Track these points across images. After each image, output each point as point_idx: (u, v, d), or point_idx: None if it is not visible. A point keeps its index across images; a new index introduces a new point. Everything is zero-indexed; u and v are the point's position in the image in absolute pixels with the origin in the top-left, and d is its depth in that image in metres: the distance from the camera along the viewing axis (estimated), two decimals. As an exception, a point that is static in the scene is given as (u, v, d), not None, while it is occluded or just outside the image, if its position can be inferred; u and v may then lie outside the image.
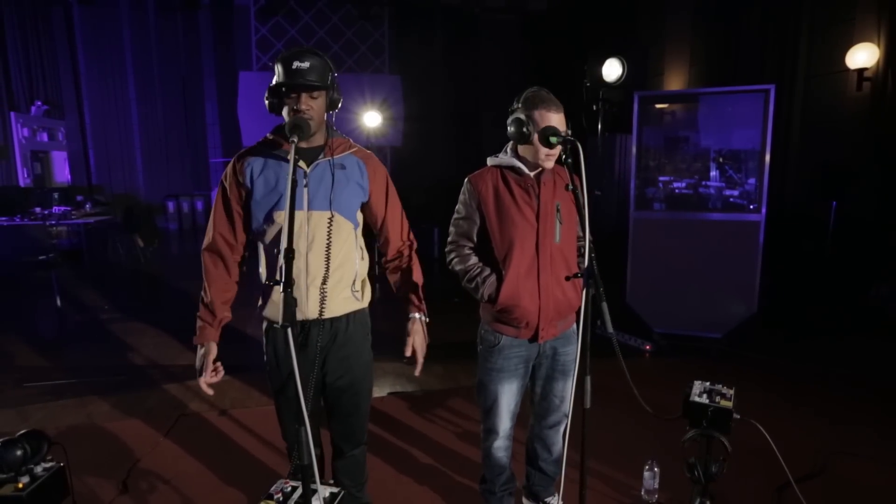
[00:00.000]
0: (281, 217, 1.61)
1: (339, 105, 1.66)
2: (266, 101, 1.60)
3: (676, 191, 4.45)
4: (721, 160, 4.33)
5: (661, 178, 4.49)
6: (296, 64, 1.51)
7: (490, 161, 1.90)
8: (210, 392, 1.67)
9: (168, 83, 11.16)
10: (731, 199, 4.31)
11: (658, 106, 4.62)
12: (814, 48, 5.36)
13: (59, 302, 5.36)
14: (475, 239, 1.90)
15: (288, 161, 1.59)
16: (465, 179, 1.90)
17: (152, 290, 6.65)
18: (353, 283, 1.71)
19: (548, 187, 1.82)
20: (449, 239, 1.95)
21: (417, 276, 1.84)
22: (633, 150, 4.27)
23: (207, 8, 10.64)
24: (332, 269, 1.65)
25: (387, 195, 1.79)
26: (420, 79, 10.61)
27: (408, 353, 1.79)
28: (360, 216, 1.76)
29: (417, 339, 1.79)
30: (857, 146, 4.85)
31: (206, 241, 1.72)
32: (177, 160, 11.50)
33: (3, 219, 6.83)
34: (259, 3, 10.20)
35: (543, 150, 1.74)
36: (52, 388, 3.50)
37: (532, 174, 1.82)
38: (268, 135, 1.68)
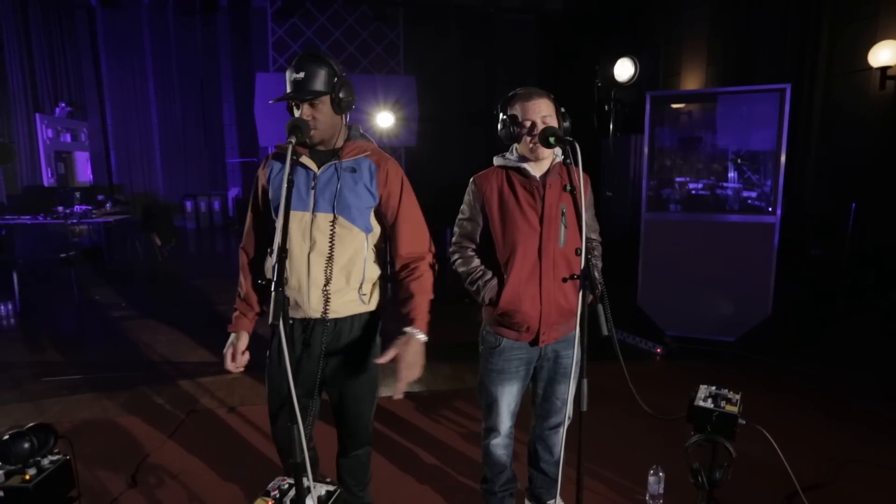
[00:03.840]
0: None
1: (352, 106, 1.65)
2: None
3: (693, 192, 4.38)
4: (739, 161, 4.25)
5: (678, 179, 4.44)
6: (293, 76, 1.55)
7: (496, 161, 1.89)
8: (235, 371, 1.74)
9: (187, 84, 11.36)
10: (750, 201, 4.23)
11: (674, 106, 4.56)
12: (835, 46, 5.24)
13: (78, 299, 5.49)
14: (478, 241, 1.89)
15: (300, 164, 1.62)
16: (471, 180, 1.90)
17: (168, 288, 6.77)
18: (361, 287, 1.67)
19: (553, 189, 1.80)
20: (453, 240, 1.95)
21: (421, 290, 1.67)
22: (645, 150, 4.22)
23: (225, 10, 10.80)
24: (335, 273, 1.62)
25: (399, 200, 1.70)
26: (435, 79, 10.63)
27: (381, 360, 1.59)
28: (374, 222, 1.71)
29: (405, 355, 1.57)
30: (879, 146, 4.72)
31: (243, 239, 1.81)
32: (195, 160, 11.70)
33: (27, 217, 7.02)
34: (276, 5, 10.33)
35: (526, 142, 1.76)
36: (69, 383, 3.59)
37: (538, 176, 1.81)
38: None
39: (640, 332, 4.31)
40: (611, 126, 4.38)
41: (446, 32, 10.72)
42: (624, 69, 4.19)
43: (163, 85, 11.28)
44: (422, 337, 1.62)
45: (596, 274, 1.88)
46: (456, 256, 1.92)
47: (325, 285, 1.63)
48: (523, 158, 1.82)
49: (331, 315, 1.65)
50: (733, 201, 4.28)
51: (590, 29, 8.86)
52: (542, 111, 1.75)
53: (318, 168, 1.63)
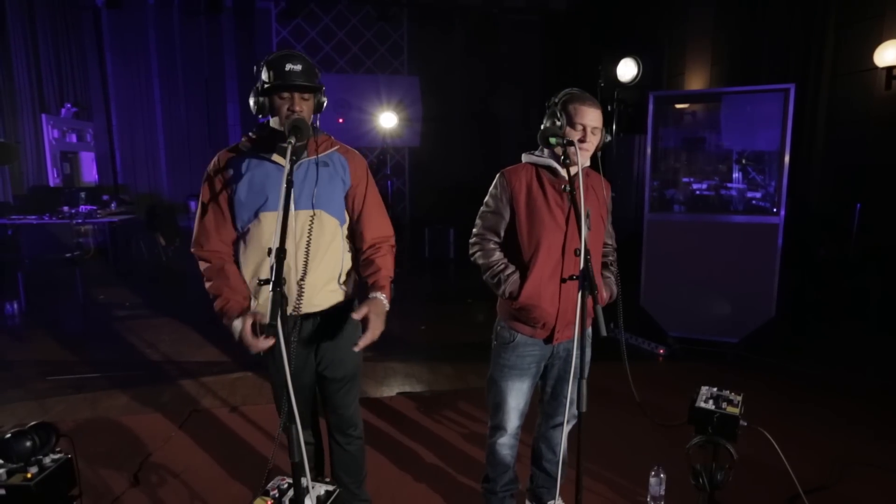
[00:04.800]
0: (268, 217, 1.63)
1: (324, 107, 1.70)
2: (252, 102, 1.63)
3: (697, 192, 4.37)
4: (743, 161, 4.24)
5: (682, 180, 4.42)
6: (289, 66, 1.56)
7: (525, 158, 1.90)
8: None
9: (192, 85, 11.38)
10: (754, 202, 4.21)
11: (678, 106, 4.54)
12: (840, 45, 5.21)
13: (82, 298, 5.51)
14: (502, 234, 1.89)
15: (272, 161, 1.64)
16: (499, 173, 1.89)
17: (172, 288, 6.79)
18: (339, 277, 1.73)
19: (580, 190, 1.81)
20: (474, 231, 1.94)
21: (386, 264, 1.74)
22: (648, 151, 4.20)
23: (230, 11, 10.83)
24: (311, 266, 1.65)
25: (366, 189, 1.78)
26: (439, 79, 10.62)
27: (357, 315, 1.60)
28: (346, 213, 1.77)
29: (372, 313, 1.60)
30: (884, 146, 4.69)
31: (195, 239, 1.70)
32: (199, 160, 11.70)
33: (33, 217, 7.06)
34: (280, 6, 10.35)
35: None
36: (73, 382, 3.60)
37: (567, 176, 1.82)
38: (250, 133, 1.72)
39: (642, 332, 4.30)
40: (614, 126, 4.37)
41: (450, 32, 10.70)
42: (627, 69, 4.18)
43: (168, 85, 11.31)
44: (385, 302, 1.68)
45: (612, 279, 1.91)
46: (476, 248, 1.91)
47: (300, 279, 1.64)
48: (555, 157, 1.82)
49: (304, 310, 1.65)
50: (737, 202, 4.26)
51: (593, 29, 8.84)
52: (595, 122, 1.76)
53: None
